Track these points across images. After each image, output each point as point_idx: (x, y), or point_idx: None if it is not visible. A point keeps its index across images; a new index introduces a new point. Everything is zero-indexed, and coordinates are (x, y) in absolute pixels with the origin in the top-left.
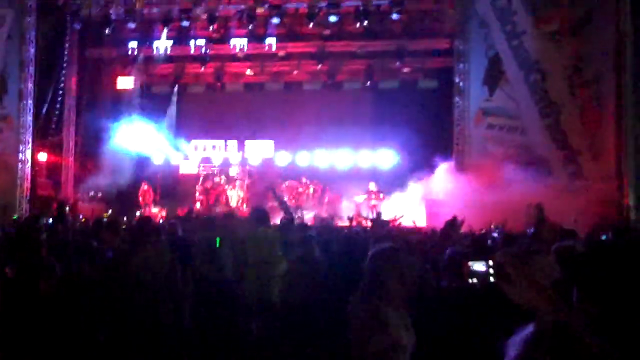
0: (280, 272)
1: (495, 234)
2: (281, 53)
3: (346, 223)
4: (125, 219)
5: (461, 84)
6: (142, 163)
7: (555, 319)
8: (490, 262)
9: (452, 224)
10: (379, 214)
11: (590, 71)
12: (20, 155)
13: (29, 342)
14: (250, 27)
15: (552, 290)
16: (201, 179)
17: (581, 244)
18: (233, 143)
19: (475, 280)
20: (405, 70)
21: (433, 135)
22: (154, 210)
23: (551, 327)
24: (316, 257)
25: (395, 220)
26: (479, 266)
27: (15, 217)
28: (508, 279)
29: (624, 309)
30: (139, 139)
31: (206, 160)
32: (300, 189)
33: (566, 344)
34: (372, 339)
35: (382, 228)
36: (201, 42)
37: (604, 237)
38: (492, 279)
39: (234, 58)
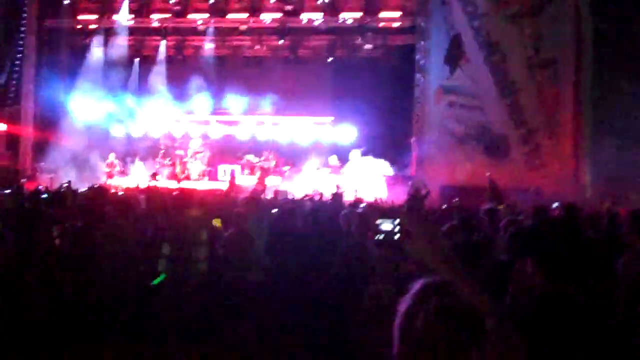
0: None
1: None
2: (242, 27)
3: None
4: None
5: (422, 61)
6: (100, 134)
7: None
8: (397, 221)
9: (416, 196)
10: (338, 188)
11: (549, 52)
12: None
13: None
14: (211, 1)
15: (449, 252)
16: (161, 152)
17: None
18: (195, 116)
19: (381, 237)
20: (367, 47)
21: (394, 112)
22: (117, 182)
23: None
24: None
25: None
26: (386, 225)
27: None
28: (410, 236)
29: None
30: (98, 111)
31: (168, 134)
32: (260, 163)
33: (450, 302)
34: None
35: (341, 201)
36: (161, 16)
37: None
38: (396, 237)
39: (194, 32)
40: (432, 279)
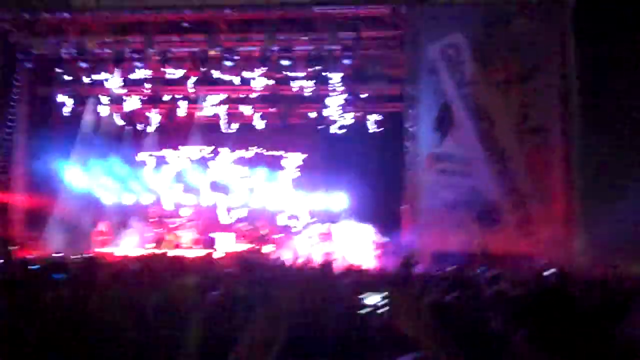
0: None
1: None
2: (234, 96)
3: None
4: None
5: (411, 129)
6: (93, 203)
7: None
8: (383, 294)
9: (406, 264)
10: (328, 255)
11: (538, 119)
12: None
13: None
14: (202, 69)
15: (436, 327)
16: (152, 220)
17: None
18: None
19: (365, 310)
20: (357, 114)
21: (385, 179)
22: (109, 250)
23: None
24: None
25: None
26: (372, 299)
27: None
28: (397, 311)
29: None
30: (89, 179)
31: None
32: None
33: None
34: None
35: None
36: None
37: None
38: (382, 310)
39: (187, 99)
40: (412, 357)
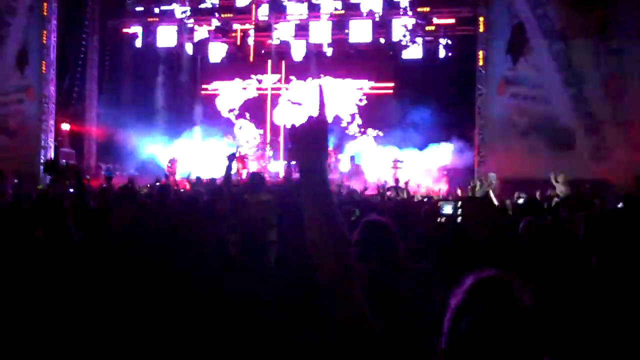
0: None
1: (520, 201)
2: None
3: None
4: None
5: (484, 52)
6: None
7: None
8: (459, 204)
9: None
10: (397, 181)
11: (615, 41)
12: (44, 125)
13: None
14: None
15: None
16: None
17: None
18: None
19: (444, 219)
20: (428, 39)
21: (456, 105)
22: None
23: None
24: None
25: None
26: (448, 208)
27: (40, 187)
28: (470, 219)
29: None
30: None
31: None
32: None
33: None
34: None
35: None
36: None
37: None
38: (458, 219)
39: (257, 28)
40: (487, 274)
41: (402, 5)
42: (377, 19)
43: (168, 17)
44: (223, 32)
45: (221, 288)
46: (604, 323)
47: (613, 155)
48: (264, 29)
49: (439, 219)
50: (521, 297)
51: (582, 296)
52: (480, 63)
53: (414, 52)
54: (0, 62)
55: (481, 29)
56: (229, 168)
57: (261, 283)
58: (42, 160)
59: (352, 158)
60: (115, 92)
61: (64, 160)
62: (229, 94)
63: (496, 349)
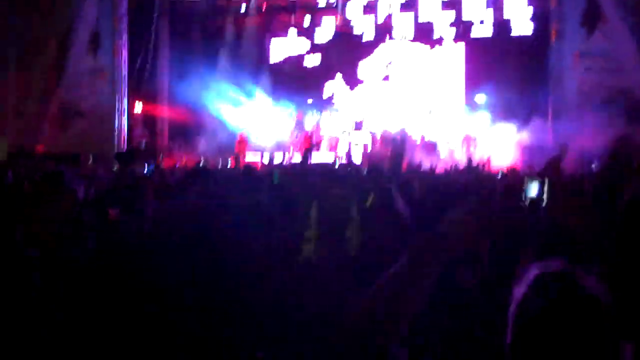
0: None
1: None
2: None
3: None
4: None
5: (558, 25)
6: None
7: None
8: (545, 186)
9: (552, 164)
10: (470, 160)
11: None
12: (117, 106)
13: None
14: None
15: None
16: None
17: None
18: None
19: (527, 201)
20: (500, 14)
21: (530, 80)
22: (250, 158)
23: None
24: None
25: (484, 163)
26: (533, 189)
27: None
28: (557, 201)
29: None
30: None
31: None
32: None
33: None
34: None
35: (472, 173)
36: None
37: None
38: (544, 201)
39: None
40: (552, 266)
41: None
42: None
43: None
44: (292, 10)
45: None
46: None
47: None
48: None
49: (522, 202)
50: (591, 287)
51: None
52: (554, 37)
53: (484, 30)
54: (74, 45)
55: (553, 4)
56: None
57: None
58: (115, 142)
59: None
60: (186, 70)
61: (143, 142)
62: None
63: (562, 342)
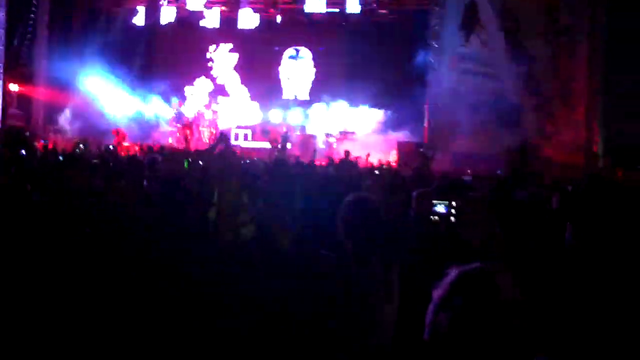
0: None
1: (467, 178)
2: None
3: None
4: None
5: (437, 27)
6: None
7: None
8: (453, 204)
9: (424, 160)
10: (347, 153)
11: (565, 20)
12: None
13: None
14: None
15: (501, 238)
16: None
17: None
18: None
19: (437, 218)
20: (382, 11)
21: (408, 79)
22: (126, 144)
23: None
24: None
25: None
26: (440, 208)
27: None
28: (466, 221)
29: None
30: (103, 90)
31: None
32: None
33: (486, 290)
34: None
35: (351, 168)
36: None
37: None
38: (452, 219)
39: None
40: (471, 267)
41: None
42: None
43: None
44: None
45: None
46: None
47: (559, 132)
48: None
49: (431, 217)
50: (506, 289)
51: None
52: (433, 38)
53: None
54: None
55: (434, 4)
56: None
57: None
58: None
59: (303, 128)
60: (65, 53)
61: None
62: None
63: (477, 343)
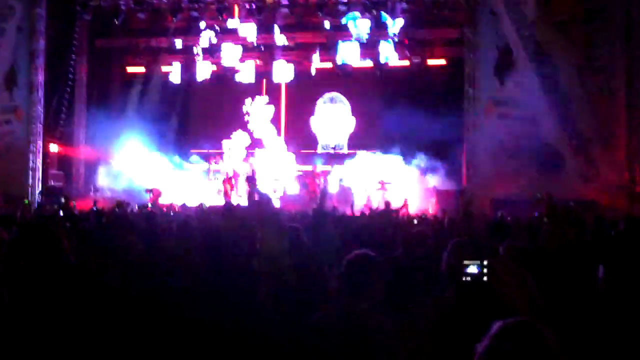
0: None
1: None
2: (291, 43)
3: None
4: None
5: (472, 73)
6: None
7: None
8: (485, 263)
9: (467, 214)
10: (387, 204)
11: (601, 60)
12: (31, 146)
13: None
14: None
15: (537, 298)
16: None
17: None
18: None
19: (468, 278)
20: (416, 61)
21: (445, 125)
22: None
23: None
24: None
25: (401, 208)
26: (473, 267)
27: (26, 201)
28: (500, 282)
29: None
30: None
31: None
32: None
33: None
34: None
35: (388, 217)
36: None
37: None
38: (484, 278)
39: (245, 48)
40: (512, 320)
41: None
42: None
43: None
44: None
45: None
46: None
47: (601, 175)
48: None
49: (463, 278)
50: (551, 340)
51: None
52: (467, 84)
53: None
54: None
55: (468, 50)
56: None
57: None
58: (30, 182)
59: (340, 180)
60: (103, 112)
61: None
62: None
63: None
